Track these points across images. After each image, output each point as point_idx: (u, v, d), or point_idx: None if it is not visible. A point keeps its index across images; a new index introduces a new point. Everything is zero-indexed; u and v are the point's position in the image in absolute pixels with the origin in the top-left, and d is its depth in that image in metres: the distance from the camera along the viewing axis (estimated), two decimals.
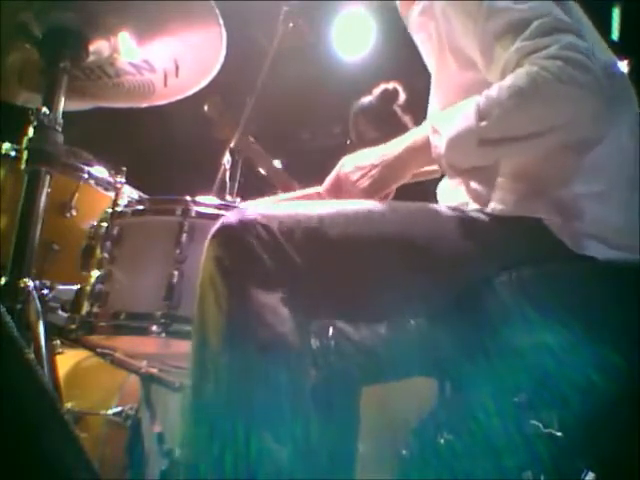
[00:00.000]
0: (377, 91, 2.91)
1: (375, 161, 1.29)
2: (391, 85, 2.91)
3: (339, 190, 1.34)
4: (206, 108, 2.45)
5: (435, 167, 1.42)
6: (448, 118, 1.19)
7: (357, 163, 1.31)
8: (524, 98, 1.12)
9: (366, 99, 2.95)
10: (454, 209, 1.25)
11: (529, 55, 1.12)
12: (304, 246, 1.07)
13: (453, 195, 1.34)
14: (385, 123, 2.89)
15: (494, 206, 1.21)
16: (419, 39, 1.42)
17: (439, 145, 1.18)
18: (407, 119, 2.89)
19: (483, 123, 1.13)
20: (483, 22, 1.19)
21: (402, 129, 3.00)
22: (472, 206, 1.27)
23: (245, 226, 1.04)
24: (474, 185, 1.25)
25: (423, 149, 1.24)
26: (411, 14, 1.41)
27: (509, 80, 1.13)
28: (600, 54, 1.20)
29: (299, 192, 1.54)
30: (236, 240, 1.04)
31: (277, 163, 5.73)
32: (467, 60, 1.25)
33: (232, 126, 2.45)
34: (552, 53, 1.10)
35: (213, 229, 1.07)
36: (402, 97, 2.90)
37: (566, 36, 1.12)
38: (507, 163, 1.23)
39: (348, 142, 3.05)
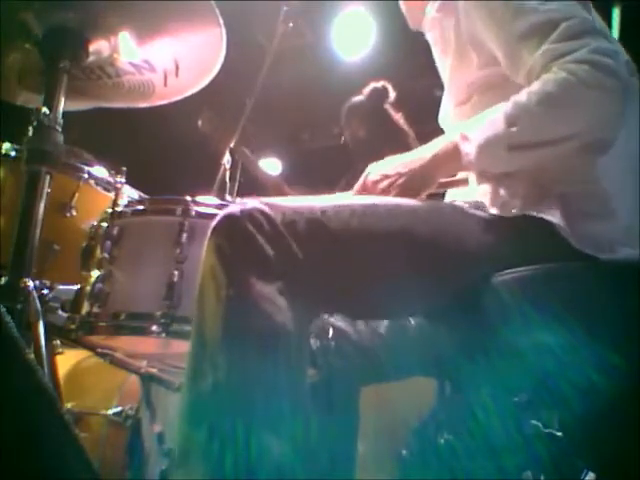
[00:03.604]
0: (367, 90, 2.92)
1: (402, 169, 1.28)
2: (380, 84, 2.92)
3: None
4: (200, 124, 2.45)
5: (462, 177, 1.42)
6: (477, 125, 1.20)
7: (383, 171, 1.30)
8: (553, 104, 1.13)
9: (357, 98, 2.96)
10: (459, 207, 1.25)
11: (557, 59, 1.13)
12: (306, 237, 1.06)
13: (461, 194, 1.34)
14: (377, 121, 2.90)
15: (512, 207, 1.20)
16: (432, 36, 1.42)
17: (470, 152, 1.19)
18: (399, 117, 2.90)
19: (513, 129, 1.14)
20: (509, 23, 1.19)
21: (394, 127, 3.02)
22: (472, 203, 1.27)
23: (247, 216, 1.04)
24: (502, 192, 1.24)
25: (449, 157, 1.23)
26: (427, 12, 1.41)
27: (537, 85, 1.14)
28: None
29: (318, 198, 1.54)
30: (238, 230, 1.03)
31: (277, 163, 5.72)
32: (489, 58, 1.26)
33: (227, 140, 2.45)
34: (580, 57, 1.11)
35: (216, 220, 1.06)
36: (392, 95, 2.91)
37: (594, 39, 1.12)
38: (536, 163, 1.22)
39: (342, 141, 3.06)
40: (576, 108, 1.13)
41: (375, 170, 1.32)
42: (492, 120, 1.17)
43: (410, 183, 1.27)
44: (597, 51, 1.10)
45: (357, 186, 1.35)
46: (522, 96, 1.15)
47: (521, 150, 1.16)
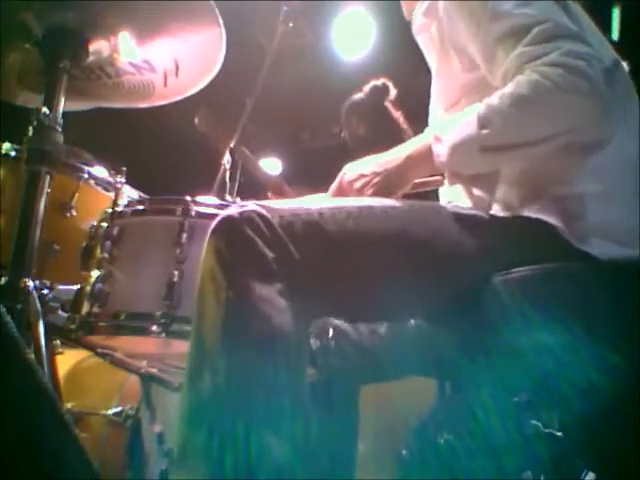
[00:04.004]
0: (367, 87, 2.93)
1: (377, 169, 1.29)
2: (380, 81, 2.92)
3: (343, 197, 1.34)
4: (196, 122, 2.44)
5: (437, 177, 1.42)
6: (450, 126, 1.20)
7: (359, 171, 1.31)
8: (525, 106, 1.13)
9: (357, 96, 2.97)
10: (456, 208, 1.25)
11: (530, 61, 1.13)
12: (303, 240, 1.07)
13: (454, 195, 1.34)
14: (377, 119, 2.90)
15: (496, 208, 1.21)
16: (421, 40, 1.42)
17: (441, 153, 1.20)
18: (399, 115, 2.90)
19: (485, 131, 1.14)
20: (486, 25, 1.20)
21: (394, 125, 3.02)
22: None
23: (246, 219, 1.05)
24: (476, 191, 1.26)
25: (424, 157, 1.25)
26: (415, 15, 1.41)
27: (510, 88, 1.14)
28: (603, 55, 1.20)
29: (306, 198, 1.55)
30: (237, 233, 1.04)
31: (277, 163, 5.71)
32: (471, 60, 1.26)
33: (224, 138, 2.45)
34: (553, 60, 1.11)
35: (214, 223, 1.07)
36: (392, 93, 2.91)
37: (567, 42, 1.13)
38: (509, 165, 1.23)
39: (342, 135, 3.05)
40: (552, 110, 1.13)
41: (351, 169, 1.33)
42: (465, 122, 1.17)
43: (385, 183, 1.28)
44: (569, 54, 1.11)
45: (334, 185, 1.36)
46: (494, 98, 1.16)
47: (494, 152, 1.16)
